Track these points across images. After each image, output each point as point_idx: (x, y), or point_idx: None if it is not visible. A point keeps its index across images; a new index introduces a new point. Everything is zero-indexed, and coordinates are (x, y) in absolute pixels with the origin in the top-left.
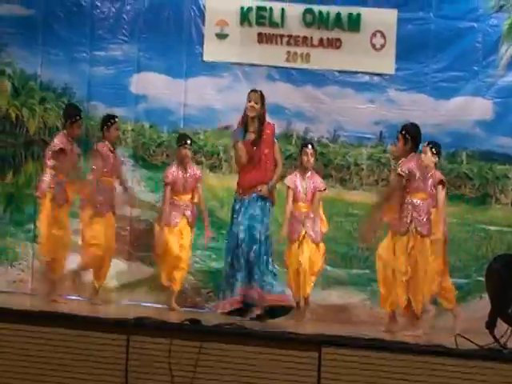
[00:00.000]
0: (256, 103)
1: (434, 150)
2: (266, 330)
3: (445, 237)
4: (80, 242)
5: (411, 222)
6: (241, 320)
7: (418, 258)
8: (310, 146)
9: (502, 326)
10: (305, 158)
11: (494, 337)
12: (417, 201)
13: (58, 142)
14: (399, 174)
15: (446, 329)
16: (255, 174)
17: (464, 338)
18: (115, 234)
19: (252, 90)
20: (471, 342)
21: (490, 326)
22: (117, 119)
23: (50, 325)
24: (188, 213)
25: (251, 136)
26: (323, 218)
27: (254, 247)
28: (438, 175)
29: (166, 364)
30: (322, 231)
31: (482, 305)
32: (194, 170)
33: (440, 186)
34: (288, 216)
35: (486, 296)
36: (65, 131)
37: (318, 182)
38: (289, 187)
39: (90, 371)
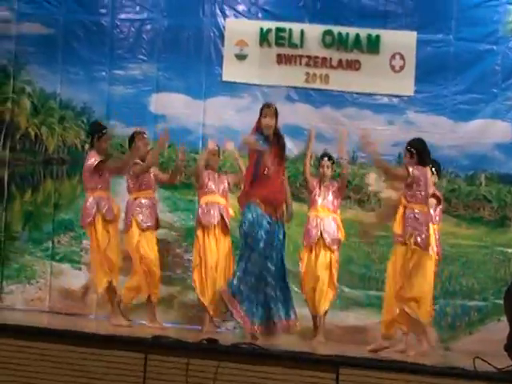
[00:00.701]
0: (271, 118)
1: (433, 169)
2: (284, 350)
3: (437, 255)
4: None
5: (411, 234)
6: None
7: (417, 270)
8: (326, 158)
9: None
10: (321, 170)
11: None
12: (417, 212)
13: (92, 159)
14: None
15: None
16: (277, 189)
17: (482, 360)
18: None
19: (265, 105)
20: (489, 364)
21: (509, 348)
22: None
23: (67, 343)
24: (225, 214)
25: (273, 149)
26: (341, 226)
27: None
28: (436, 193)
29: (184, 383)
30: (339, 239)
31: (501, 327)
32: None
33: (435, 202)
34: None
35: (504, 319)
36: (93, 149)
37: (335, 191)
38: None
39: None
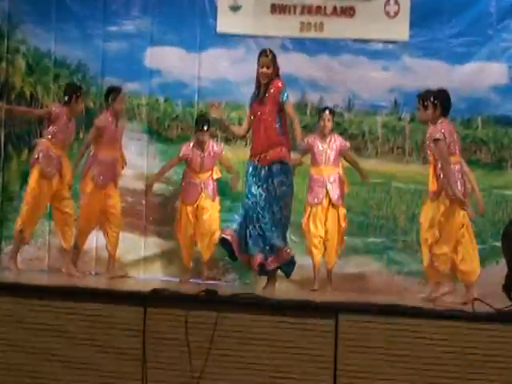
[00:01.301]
0: (268, 68)
1: None
2: (283, 299)
3: None
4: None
5: (444, 187)
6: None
7: (446, 223)
8: (327, 112)
9: None
10: (322, 123)
11: (511, 299)
12: (452, 165)
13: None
14: (437, 139)
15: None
16: (259, 137)
17: (481, 301)
18: (126, 206)
19: (262, 53)
20: (488, 305)
21: (507, 289)
22: (122, 92)
23: (67, 299)
24: (208, 191)
25: (261, 95)
26: (344, 178)
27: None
28: None
29: (183, 335)
30: (344, 194)
31: (499, 269)
32: (214, 147)
33: None
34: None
35: (502, 261)
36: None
37: (341, 141)
38: (304, 149)
39: (108, 344)
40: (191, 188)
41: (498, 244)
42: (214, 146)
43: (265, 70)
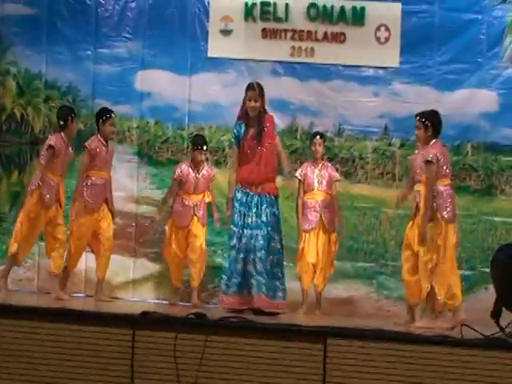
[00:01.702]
0: (255, 101)
1: None
2: (272, 323)
3: None
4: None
5: (437, 209)
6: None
7: (443, 246)
8: (318, 137)
9: (507, 316)
10: (313, 148)
11: (500, 326)
12: (441, 187)
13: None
14: (428, 161)
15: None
16: (258, 169)
17: (470, 327)
18: (116, 228)
19: (249, 87)
20: (476, 331)
21: (495, 315)
22: (112, 115)
23: (56, 321)
24: (200, 213)
25: (252, 131)
26: (336, 204)
27: (271, 257)
28: None
29: (172, 358)
30: (335, 219)
31: (488, 296)
32: (209, 170)
33: None
34: (300, 208)
35: (491, 287)
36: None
37: (332, 170)
38: (300, 180)
39: (96, 365)
40: (184, 210)
41: (487, 270)
42: (208, 167)
43: (253, 103)
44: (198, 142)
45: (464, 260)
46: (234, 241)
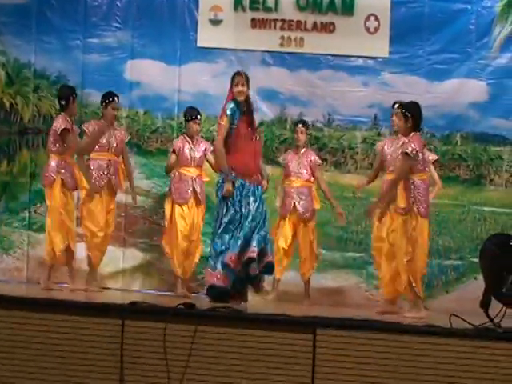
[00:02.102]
0: (243, 85)
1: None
2: (261, 313)
3: None
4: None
5: (413, 202)
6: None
7: (419, 239)
8: (300, 125)
9: (496, 306)
10: (295, 136)
11: (489, 316)
12: (418, 182)
13: (60, 123)
14: (406, 154)
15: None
16: (252, 160)
17: (459, 317)
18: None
19: (236, 73)
20: (466, 321)
21: (485, 305)
22: (115, 98)
23: (45, 311)
24: (198, 188)
25: (245, 117)
26: (315, 194)
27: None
28: (432, 155)
29: (161, 348)
30: (313, 208)
31: (477, 286)
32: (203, 141)
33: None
34: (280, 194)
35: (480, 277)
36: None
37: (313, 157)
38: (282, 166)
39: (86, 356)
40: (182, 185)
41: (476, 260)
42: (202, 140)
43: (240, 87)
44: (192, 112)
45: (453, 250)
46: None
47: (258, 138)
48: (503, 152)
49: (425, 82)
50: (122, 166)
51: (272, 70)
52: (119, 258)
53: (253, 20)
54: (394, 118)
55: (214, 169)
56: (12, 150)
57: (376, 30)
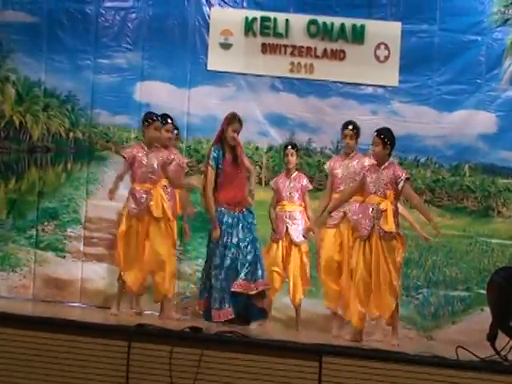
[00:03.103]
0: (238, 134)
1: None
2: (267, 339)
3: None
4: None
5: (397, 226)
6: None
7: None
8: (289, 147)
9: (503, 339)
10: (285, 159)
11: (495, 349)
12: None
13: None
14: (408, 179)
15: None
16: (239, 190)
17: (465, 349)
18: (112, 239)
19: (235, 119)
20: (472, 353)
21: (491, 338)
22: (158, 118)
23: (51, 330)
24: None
25: (229, 156)
26: (307, 219)
27: (248, 256)
28: None
29: (167, 371)
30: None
31: (484, 317)
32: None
33: None
34: (273, 218)
35: (487, 309)
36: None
37: (304, 181)
38: (272, 189)
39: (91, 377)
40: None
41: (483, 291)
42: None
43: (235, 135)
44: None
45: (460, 281)
46: (218, 260)
47: (242, 173)
48: (511, 184)
49: (434, 112)
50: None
51: (281, 96)
52: None
53: (263, 45)
54: (348, 140)
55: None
56: (21, 167)
57: (386, 58)
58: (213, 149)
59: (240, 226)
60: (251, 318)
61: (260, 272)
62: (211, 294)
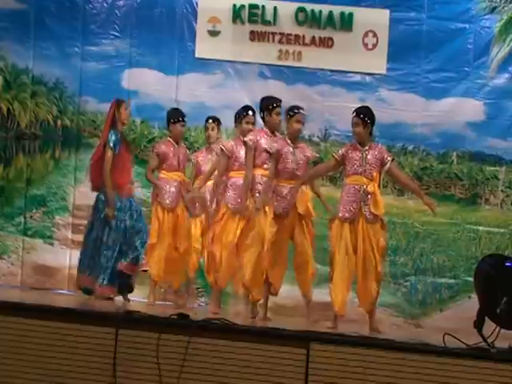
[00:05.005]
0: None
1: None
2: (254, 326)
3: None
4: None
5: (360, 208)
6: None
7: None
8: (210, 121)
9: (490, 326)
10: (206, 134)
11: (482, 336)
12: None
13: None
14: (394, 159)
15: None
16: (128, 176)
17: (452, 336)
18: None
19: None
20: (459, 340)
21: (478, 325)
22: (183, 117)
23: (39, 317)
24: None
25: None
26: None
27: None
28: None
29: (154, 358)
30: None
31: (471, 305)
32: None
33: None
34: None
35: (474, 296)
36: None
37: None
38: (192, 163)
39: (79, 364)
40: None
41: (471, 279)
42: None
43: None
44: (178, 114)
45: (448, 268)
46: (110, 241)
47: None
48: (499, 172)
49: (422, 100)
50: None
51: (269, 83)
52: None
53: (251, 32)
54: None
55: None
56: (8, 154)
57: (374, 46)
58: (110, 135)
59: (129, 214)
60: (121, 291)
61: (141, 256)
62: (96, 270)
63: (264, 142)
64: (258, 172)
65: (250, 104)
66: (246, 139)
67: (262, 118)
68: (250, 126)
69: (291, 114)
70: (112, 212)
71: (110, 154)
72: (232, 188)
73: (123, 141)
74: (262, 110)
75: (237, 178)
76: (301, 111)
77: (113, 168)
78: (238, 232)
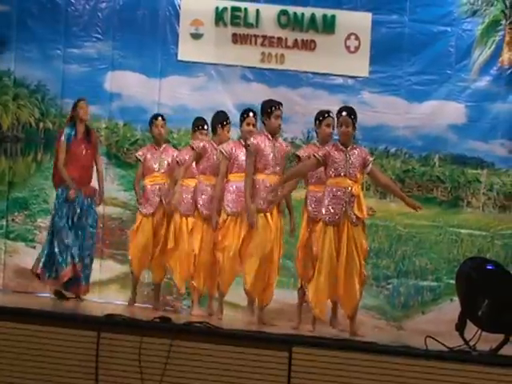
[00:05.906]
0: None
1: None
2: (237, 329)
3: None
4: None
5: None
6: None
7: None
8: (160, 118)
9: (471, 329)
10: (156, 131)
11: (464, 339)
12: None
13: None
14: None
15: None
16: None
17: (434, 339)
18: None
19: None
20: (441, 343)
21: (460, 328)
22: (206, 127)
23: (20, 321)
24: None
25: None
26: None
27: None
28: None
29: (136, 361)
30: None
31: (453, 307)
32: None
33: None
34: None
35: (456, 299)
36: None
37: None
38: (139, 160)
39: (60, 367)
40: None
41: (453, 282)
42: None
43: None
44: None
45: (429, 271)
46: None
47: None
48: (481, 175)
49: (404, 103)
50: None
51: (252, 86)
52: (96, 269)
53: (234, 35)
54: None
55: None
56: (2, 153)
57: (356, 49)
58: (67, 127)
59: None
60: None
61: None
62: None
63: (263, 145)
64: (260, 177)
65: (232, 107)
66: (248, 143)
67: (263, 122)
68: (251, 128)
69: (321, 118)
70: (72, 193)
71: (61, 144)
72: (231, 191)
73: (83, 138)
74: (261, 113)
75: (236, 181)
76: (330, 114)
77: (68, 161)
78: (242, 236)
